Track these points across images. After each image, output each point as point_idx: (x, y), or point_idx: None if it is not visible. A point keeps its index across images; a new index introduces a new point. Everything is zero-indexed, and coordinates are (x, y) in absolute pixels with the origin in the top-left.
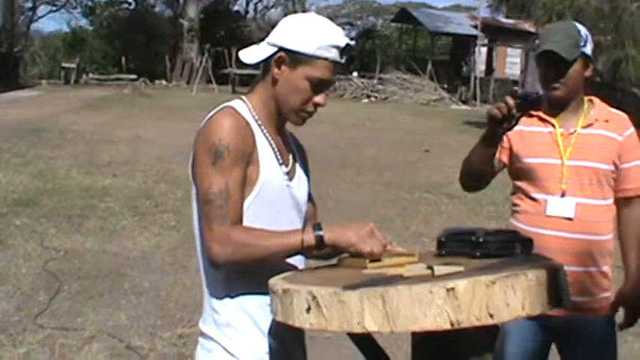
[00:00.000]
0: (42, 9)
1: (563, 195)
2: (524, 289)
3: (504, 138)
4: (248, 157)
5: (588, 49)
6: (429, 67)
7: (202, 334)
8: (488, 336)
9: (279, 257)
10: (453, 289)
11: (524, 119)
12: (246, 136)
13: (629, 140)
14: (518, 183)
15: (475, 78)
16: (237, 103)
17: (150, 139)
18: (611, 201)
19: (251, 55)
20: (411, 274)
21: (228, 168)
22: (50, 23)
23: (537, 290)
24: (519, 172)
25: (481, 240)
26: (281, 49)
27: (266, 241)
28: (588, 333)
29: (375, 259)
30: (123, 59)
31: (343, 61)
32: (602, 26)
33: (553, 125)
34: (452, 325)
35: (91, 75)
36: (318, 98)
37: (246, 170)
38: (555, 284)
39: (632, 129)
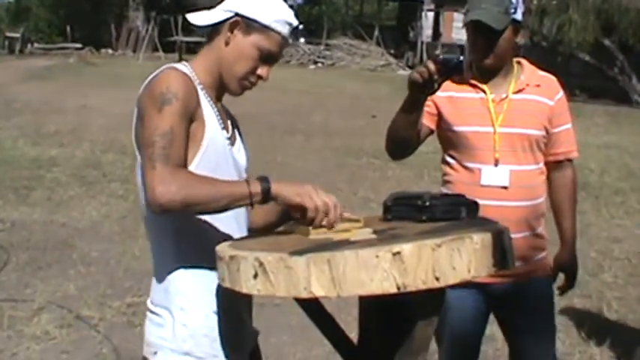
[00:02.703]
0: None
1: (496, 164)
2: (470, 252)
3: (431, 103)
4: (193, 112)
5: (519, 15)
6: (376, 32)
7: (150, 309)
8: (435, 299)
9: (222, 207)
10: (399, 252)
11: (453, 85)
12: (192, 90)
13: (559, 104)
14: (450, 151)
15: (422, 43)
16: (179, 66)
17: (96, 108)
18: (542, 164)
19: (202, 18)
20: (358, 238)
21: (175, 114)
22: None
23: (483, 253)
24: (450, 140)
25: (427, 204)
26: (237, 14)
27: (212, 185)
28: (527, 296)
29: (322, 219)
30: (68, 28)
31: (291, 42)
32: None
33: (484, 91)
34: (398, 288)
35: (36, 44)
36: (262, 70)
37: (191, 126)
38: (500, 247)
39: (561, 92)
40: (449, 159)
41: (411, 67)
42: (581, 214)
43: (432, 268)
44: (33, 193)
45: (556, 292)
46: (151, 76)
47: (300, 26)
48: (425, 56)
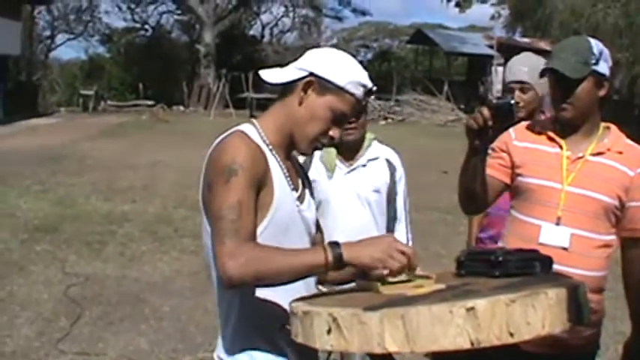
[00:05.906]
0: (60, 37)
1: (558, 222)
2: (545, 307)
3: (505, 155)
4: (261, 179)
5: (602, 67)
6: (446, 87)
7: None
8: (509, 355)
9: (295, 277)
10: (472, 308)
11: (532, 136)
12: (258, 157)
13: None
14: (515, 203)
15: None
16: (247, 127)
17: (168, 164)
18: (609, 237)
19: (275, 75)
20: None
21: (242, 186)
22: (68, 51)
23: (557, 308)
24: (517, 190)
25: (500, 259)
26: (311, 74)
27: (283, 256)
28: None
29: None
30: (140, 85)
31: (364, 103)
32: (619, 43)
33: (561, 147)
34: (472, 344)
35: (109, 102)
36: (334, 132)
37: (260, 193)
38: (575, 302)
39: None
40: (512, 211)
41: None
42: None
43: (506, 324)
44: (106, 248)
45: None
46: (220, 138)
47: (374, 88)
48: None
